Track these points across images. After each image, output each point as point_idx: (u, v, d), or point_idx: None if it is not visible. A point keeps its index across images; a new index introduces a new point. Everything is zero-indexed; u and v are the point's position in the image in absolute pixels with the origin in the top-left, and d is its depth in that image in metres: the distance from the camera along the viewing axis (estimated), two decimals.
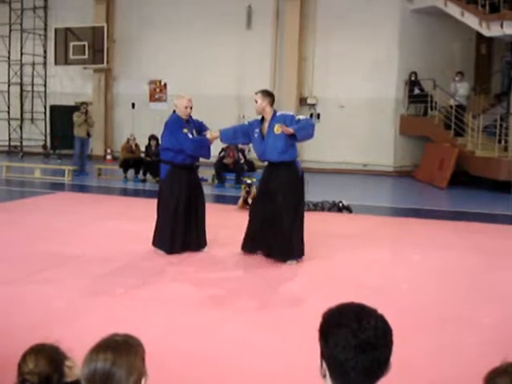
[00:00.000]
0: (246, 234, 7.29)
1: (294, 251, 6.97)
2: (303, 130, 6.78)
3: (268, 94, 7.04)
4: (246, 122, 7.36)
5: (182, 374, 3.89)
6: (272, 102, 7.02)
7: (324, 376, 1.82)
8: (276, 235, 6.91)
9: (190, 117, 7.35)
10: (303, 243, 7.07)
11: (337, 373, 1.76)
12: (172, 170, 7.25)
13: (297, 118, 6.93)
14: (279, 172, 6.95)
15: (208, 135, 7.25)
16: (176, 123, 7.19)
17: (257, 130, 7.06)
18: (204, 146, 7.25)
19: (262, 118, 7.10)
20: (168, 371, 3.76)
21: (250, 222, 7.28)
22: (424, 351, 4.36)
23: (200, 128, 7.40)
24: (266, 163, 7.33)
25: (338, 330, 1.74)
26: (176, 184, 7.22)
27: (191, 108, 7.27)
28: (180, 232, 7.22)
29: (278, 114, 7.02)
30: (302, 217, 7.07)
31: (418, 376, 3.93)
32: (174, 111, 7.39)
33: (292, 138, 6.79)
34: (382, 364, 1.74)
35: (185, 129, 7.13)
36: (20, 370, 2.22)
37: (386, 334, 1.77)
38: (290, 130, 6.63)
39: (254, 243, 7.22)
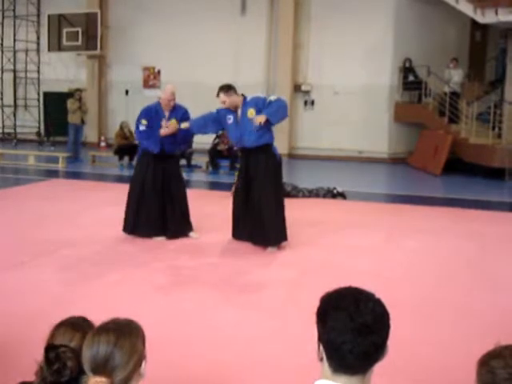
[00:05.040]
0: (233, 222, 7.31)
1: (274, 237, 6.94)
2: (276, 113, 6.73)
3: (228, 88, 6.91)
4: (215, 110, 7.21)
5: (178, 359, 3.92)
6: (235, 91, 6.93)
7: (321, 359, 1.84)
8: (256, 222, 6.91)
9: (176, 105, 7.39)
10: (285, 228, 7.03)
11: (334, 356, 1.78)
12: (143, 154, 7.43)
13: (268, 99, 6.82)
14: (256, 158, 6.91)
15: (162, 130, 7.15)
16: (143, 112, 7.35)
17: (230, 116, 6.98)
18: (149, 139, 7.22)
19: None
20: (164, 357, 3.78)
21: (233, 209, 7.30)
22: (421, 338, 4.39)
23: (182, 116, 7.37)
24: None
25: (335, 313, 1.76)
26: (143, 168, 7.37)
27: (174, 100, 7.31)
28: (146, 216, 7.26)
29: (248, 98, 6.94)
30: (282, 202, 7.05)
31: (415, 363, 3.96)
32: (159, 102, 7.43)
33: (268, 123, 6.74)
34: (378, 348, 1.77)
35: (144, 119, 7.22)
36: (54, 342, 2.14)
37: (384, 317, 1.79)
38: (263, 118, 6.56)
39: (239, 230, 7.23)
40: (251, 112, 6.75)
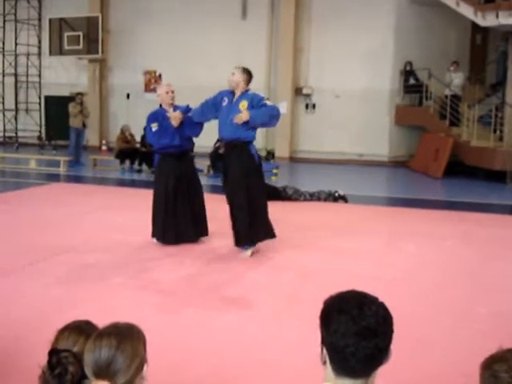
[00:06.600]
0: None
1: (242, 237, 6.81)
2: (259, 118, 6.59)
3: (247, 72, 6.82)
4: (218, 92, 7.09)
5: (179, 363, 3.92)
6: (248, 81, 6.82)
7: (324, 363, 1.84)
8: (232, 220, 6.88)
9: (178, 105, 7.41)
10: (256, 231, 6.84)
11: (337, 359, 1.78)
12: (160, 159, 7.43)
13: (263, 102, 6.68)
14: (231, 157, 6.79)
15: (173, 121, 7.14)
16: (150, 117, 7.37)
17: (225, 98, 6.86)
18: (164, 135, 7.22)
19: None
20: (165, 361, 3.78)
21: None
22: (422, 342, 4.38)
23: (186, 112, 7.35)
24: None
25: (338, 317, 1.76)
26: (163, 173, 7.35)
27: (173, 92, 7.34)
28: (171, 221, 7.24)
29: (249, 92, 6.81)
30: (256, 203, 6.80)
31: (415, 367, 3.95)
32: (160, 105, 7.45)
33: (247, 123, 6.61)
34: (382, 351, 1.76)
35: (153, 123, 7.23)
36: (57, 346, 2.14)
37: (387, 321, 1.79)
38: (243, 118, 6.50)
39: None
40: (243, 104, 6.64)
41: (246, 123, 6.62)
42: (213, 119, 7.15)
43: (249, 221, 6.76)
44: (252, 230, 6.81)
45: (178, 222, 7.27)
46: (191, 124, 7.27)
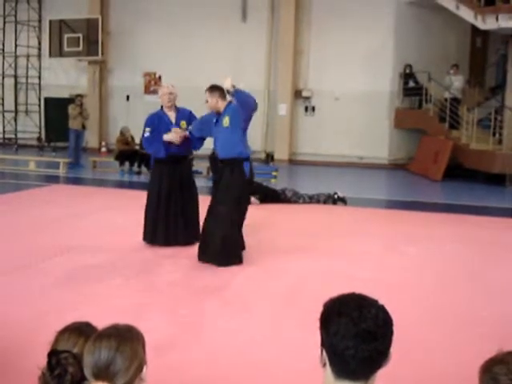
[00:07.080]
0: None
1: (220, 257, 6.48)
2: (243, 95, 6.37)
3: (215, 89, 6.67)
4: (209, 112, 6.97)
5: (178, 364, 3.91)
6: (222, 95, 6.65)
7: (324, 365, 1.84)
8: (206, 235, 6.66)
9: (180, 108, 7.38)
10: (230, 254, 6.56)
11: (336, 361, 1.77)
12: (156, 161, 7.40)
13: None
14: (225, 172, 6.62)
15: (165, 136, 7.10)
16: (148, 120, 7.34)
17: (214, 119, 6.76)
18: (152, 144, 7.20)
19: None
20: (164, 362, 3.77)
21: None
22: (422, 345, 4.37)
23: (189, 119, 7.31)
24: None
25: (338, 319, 1.76)
26: (158, 175, 7.34)
27: (171, 94, 7.26)
28: (162, 222, 7.22)
29: (231, 104, 6.64)
30: (236, 221, 6.65)
31: (416, 370, 3.94)
32: (162, 107, 7.40)
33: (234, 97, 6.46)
34: (381, 354, 1.76)
35: (148, 127, 7.21)
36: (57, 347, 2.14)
37: (387, 324, 1.79)
38: (229, 84, 6.35)
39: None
40: (226, 121, 6.54)
41: (236, 137, 6.51)
42: (209, 136, 7.05)
43: (230, 241, 6.55)
44: (230, 251, 6.58)
45: (168, 224, 7.24)
46: (193, 138, 7.23)
